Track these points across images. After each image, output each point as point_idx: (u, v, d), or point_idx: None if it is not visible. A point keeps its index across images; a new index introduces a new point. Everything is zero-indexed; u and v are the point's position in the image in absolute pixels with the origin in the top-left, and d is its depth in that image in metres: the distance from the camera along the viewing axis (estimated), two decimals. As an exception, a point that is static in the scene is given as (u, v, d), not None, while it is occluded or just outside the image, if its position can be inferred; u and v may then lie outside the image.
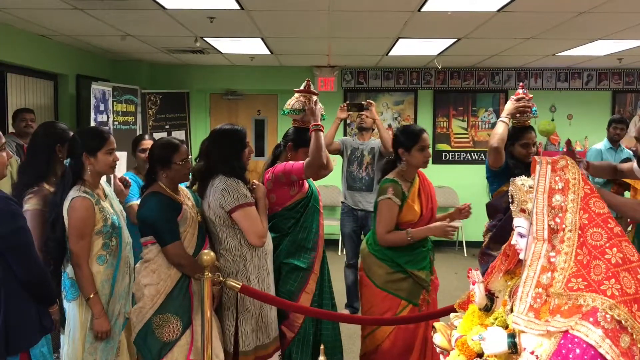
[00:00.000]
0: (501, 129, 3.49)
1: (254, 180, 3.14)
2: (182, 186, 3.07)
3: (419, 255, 3.32)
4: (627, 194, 5.61)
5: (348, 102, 4.78)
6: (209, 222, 3.00)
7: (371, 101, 5.03)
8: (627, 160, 5.76)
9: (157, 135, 5.92)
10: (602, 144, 6.05)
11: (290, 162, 3.26)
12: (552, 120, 8.35)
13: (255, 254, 2.99)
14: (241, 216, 2.90)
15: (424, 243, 3.36)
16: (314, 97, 3.42)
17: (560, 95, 8.42)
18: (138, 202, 3.63)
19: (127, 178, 3.71)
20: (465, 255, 7.97)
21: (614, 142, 5.99)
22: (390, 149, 5.03)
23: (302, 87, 3.46)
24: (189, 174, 3.02)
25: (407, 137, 3.29)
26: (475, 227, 7.94)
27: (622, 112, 8.41)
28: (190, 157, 2.99)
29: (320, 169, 3.20)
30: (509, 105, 3.58)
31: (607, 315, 1.56)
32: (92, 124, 6.03)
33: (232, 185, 2.91)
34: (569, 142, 3.17)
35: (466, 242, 8.14)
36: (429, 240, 3.42)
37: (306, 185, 3.34)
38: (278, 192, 3.19)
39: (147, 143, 3.88)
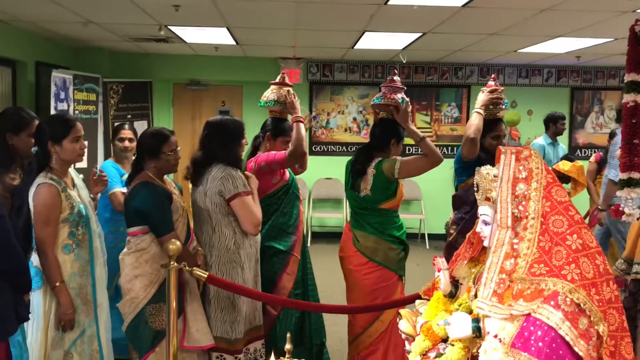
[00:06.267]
0: (477, 120, 3.45)
1: (247, 172, 3.22)
2: (166, 177, 3.09)
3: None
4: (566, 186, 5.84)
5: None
6: (203, 211, 3.04)
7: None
8: (566, 156, 6.02)
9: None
10: (542, 138, 6.37)
11: (272, 152, 3.39)
12: (514, 115, 8.54)
13: (248, 242, 3.08)
14: (239, 204, 2.97)
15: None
16: (289, 89, 3.55)
17: (521, 91, 8.59)
18: (120, 189, 3.64)
19: (100, 170, 3.53)
20: (428, 247, 8.08)
21: (555, 137, 6.37)
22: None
23: (277, 80, 3.60)
24: (177, 165, 3.03)
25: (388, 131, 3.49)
26: (437, 220, 8.05)
27: (579, 109, 8.69)
28: (179, 148, 3.00)
29: (303, 157, 3.37)
30: (482, 97, 3.56)
31: (567, 299, 1.62)
32: (52, 112, 5.88)
33: (232, 174, 2.99)
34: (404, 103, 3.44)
35: (428, 234, 8.26)
36: None
37: (287, 173, 3.52)
38: (261, 181, 3.27)
39: (127, 132, 3.93)
